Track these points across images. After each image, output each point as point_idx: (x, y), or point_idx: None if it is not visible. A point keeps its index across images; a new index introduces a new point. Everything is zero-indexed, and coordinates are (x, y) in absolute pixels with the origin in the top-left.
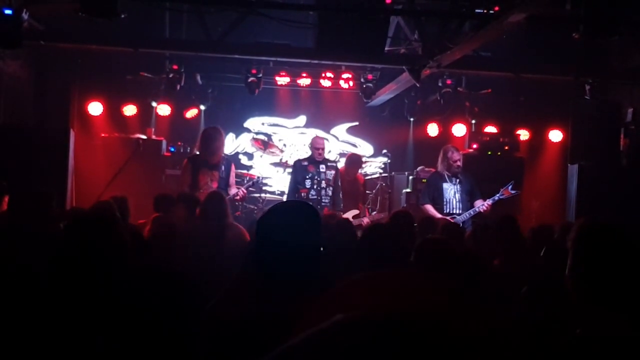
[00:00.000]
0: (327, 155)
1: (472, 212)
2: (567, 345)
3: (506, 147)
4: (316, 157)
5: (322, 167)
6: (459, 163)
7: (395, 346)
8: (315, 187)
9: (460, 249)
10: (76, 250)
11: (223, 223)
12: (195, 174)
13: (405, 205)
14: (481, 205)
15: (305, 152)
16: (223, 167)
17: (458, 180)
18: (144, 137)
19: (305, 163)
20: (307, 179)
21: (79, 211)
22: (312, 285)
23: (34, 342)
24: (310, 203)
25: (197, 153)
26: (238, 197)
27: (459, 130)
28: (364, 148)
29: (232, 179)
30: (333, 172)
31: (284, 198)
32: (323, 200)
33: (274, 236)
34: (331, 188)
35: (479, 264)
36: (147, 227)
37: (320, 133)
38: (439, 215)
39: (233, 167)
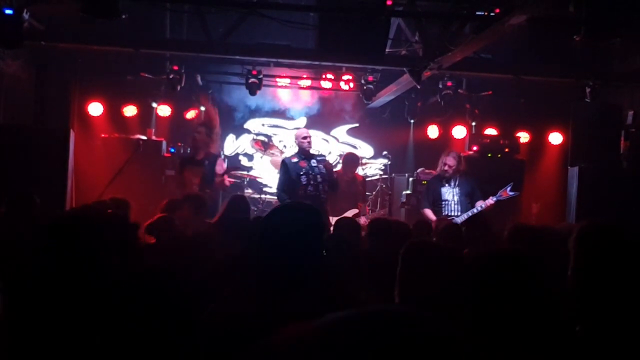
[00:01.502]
0: (325, 157)
1: (470, 213)
2: (566, 343)
3: (506, 149)
4: (306, 147)
5: (314, 162)
6: (446, 168)
7: (385, 344)
8: (312, 182)
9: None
10: (60, 251)
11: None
12: (182, 172)
13: (405, 206)
14: (482, 203)
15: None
16: (207, 162)
17: (456, 182)
18: (144, 137)
19: (296, 159)
20: (302, 175)
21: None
22: (314, 286)
23: (32, 343)
24: (308, 200)
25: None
26: (220, 183)
27: (459, 132)
28: (364, 149)
29: (219, 168)
30: (324, 165)
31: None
32: (322, 196)
33: (276, 237)
34: (327, 183)
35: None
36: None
37: (320, 134)
38: (434, 218)
39: (220, 160)
